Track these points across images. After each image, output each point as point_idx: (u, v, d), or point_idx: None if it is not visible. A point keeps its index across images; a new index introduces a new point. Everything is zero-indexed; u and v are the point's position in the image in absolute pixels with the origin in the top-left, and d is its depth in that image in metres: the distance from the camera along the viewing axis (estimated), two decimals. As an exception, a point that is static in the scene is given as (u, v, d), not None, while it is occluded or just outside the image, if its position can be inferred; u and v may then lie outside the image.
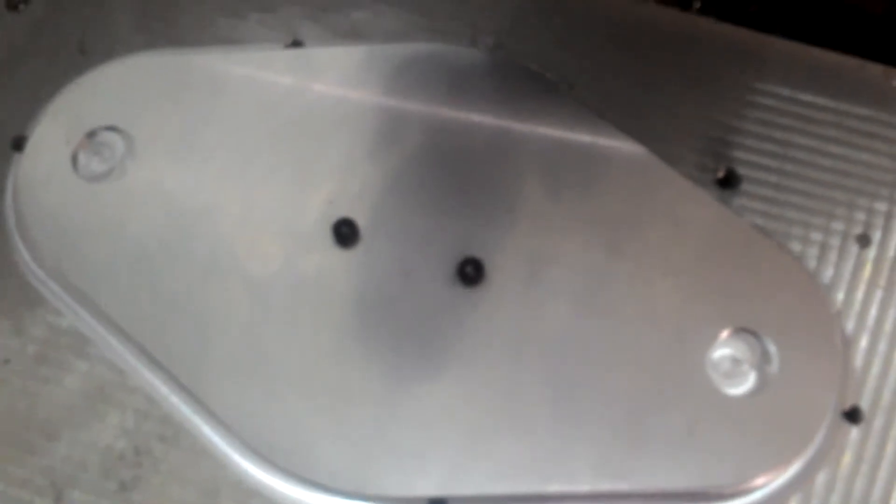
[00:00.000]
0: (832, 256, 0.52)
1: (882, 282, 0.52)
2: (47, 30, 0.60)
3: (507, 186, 0.54)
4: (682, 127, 0.55)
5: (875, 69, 0.55)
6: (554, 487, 0.49)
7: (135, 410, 0.52)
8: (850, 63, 0.55)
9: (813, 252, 0.52)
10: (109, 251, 0.54)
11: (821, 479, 0.49)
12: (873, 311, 0.51)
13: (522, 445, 0.49)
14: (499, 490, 0.49)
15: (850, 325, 0.51)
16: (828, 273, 0.52)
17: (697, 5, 0.88)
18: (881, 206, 0.53)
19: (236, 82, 0.57)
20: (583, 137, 0.55)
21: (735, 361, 0.50)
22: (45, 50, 0.60)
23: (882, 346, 0.51)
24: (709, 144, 0.55)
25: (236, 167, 0.55)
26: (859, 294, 0.51)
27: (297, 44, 0.58)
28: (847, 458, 0.49)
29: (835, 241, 0.52)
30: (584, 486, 0.49)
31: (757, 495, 0.49)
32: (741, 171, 0.54)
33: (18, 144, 0.57)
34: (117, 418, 0.52)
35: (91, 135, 0.56)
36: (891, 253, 0.52)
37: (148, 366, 0.53)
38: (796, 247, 0.52)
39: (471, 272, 0.52)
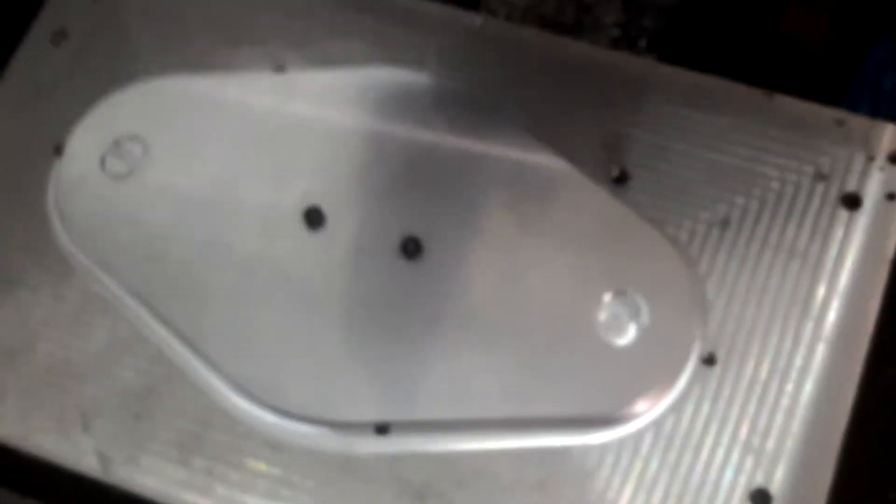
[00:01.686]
0: (699, 237, 0.60)
1: (737, 255, 0.60)
2: (82, 59, 0.69)
3: (442, 183, 0.63)
4: (585, 136, 0.63)
5: (740, 89, 0.64)
6: (474, 414, 0.58)
7: (147, 357, 0.61)
8: (718, 83, 0.64)
9: (684, 235, 0.60)
10: (129, 234, 0.64)
11: (688, 407, 0.57)
12: (729, 279, 0.59)
13: (449, 381, 0.58)
14: (429, 416, 0.58)
15: (710, 290, 0.59)
16: (694, 250, 0.60)
17: (643, 45, 0.97)
18: (739, 200, 0.61)
19: (232, 101, 0.66)
20: (507, 145, 0.64)
21: (616, 317, 0.59)
22: (80, 75, 0.69)
23: (735, 307, 0.59)
24: (606, 150, 0.63)
25: (230, 169, 0.65)
26: (718, 265, 0.59)
27: (280, 69, 0.67)
28: (709, 392, 0.57)
29: (701, 227, 0.60)
30: (496, 413, 0.58)
31: (639, 420, 0.57)
32: (631, 170, 0.62)
33: (58, 150, 0.66)
34: (133, 364, 0.61)
35: (116, 143, 0.65)
36: (745, 233, 0.60)
37: (157, 322, 0.61)
38: (671, 230, 0.60)
39: (411, 248, 0.61)
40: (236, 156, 0.65)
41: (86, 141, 0.67)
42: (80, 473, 0.60)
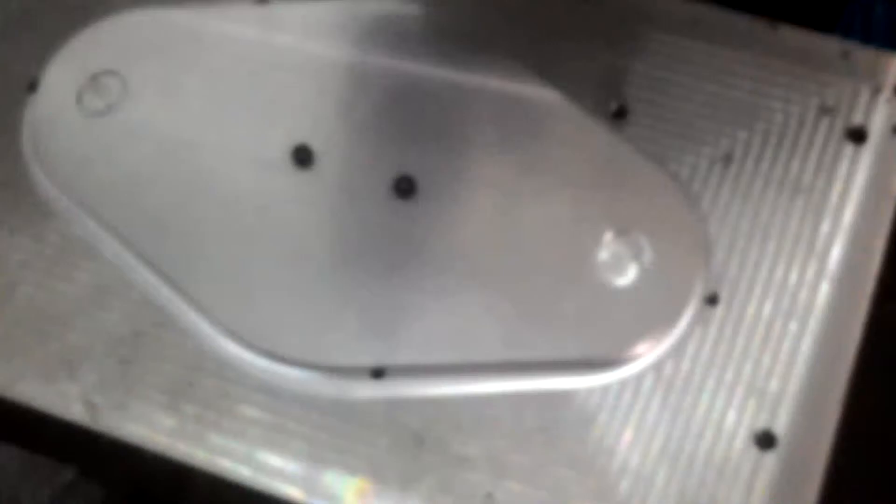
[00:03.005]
0: (701, 173, 0.58)
1: (740, 191, 0.57)
2: (55, -10, 0.65)
3: (436, 119, 0.60)
4: (582, 69, 0.60)
5: (742, 19, 0.60)
6: (472, 357, 0.55)
7: (132, 301, 0.58)
8: (720, 14, 0.61)
9: (685, 171, 0.58)
10: (110, 173, 0.60)
11: (690, 348, 0.55)
12: (732, 216, 0.57)
13: (446, 324, 0.55)
14: (427, 360, 0.55)
15: (713, 228, 0.57)
16: (696, 186, 0.57)
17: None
18: (742, 134, 0.58)
19: (213, 34, 0.63)
20: (501, 78, 0.60)
21: (617, 257, 0.56)
22: (52, 7, 0.65)
23: (739, 244, 0.56)
24: (605, 84, 0.60)
25: (213, 104, 0.61)
26: (721, 202, 0.57)
27: (262, 0, 0.63)
28: (712, 333, 0.55)
29: (704, 162, 0.58)
30: (494, 356, 0.55)
31: (641, 362, 0.55)
32: (630, 105, 0.59)
33: (32, 86, 0.63)
34: (118, 308, 0.58)
35: (93, 78, 0.62)
36: (748, 169, 0.58)
37: (143, 265, 0.58)
38: (672, 166, 0.58)
39: (405, 186, 0.58)
40: (219, 91, 0.62)
41: (61, 76, 0.63)
42: (66, 421, 0.57)
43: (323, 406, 0.56)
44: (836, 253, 0.57)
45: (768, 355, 0.55)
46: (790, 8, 0.67)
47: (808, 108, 0.59)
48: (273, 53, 0.62)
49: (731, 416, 0.54)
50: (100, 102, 0.62)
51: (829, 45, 0.60)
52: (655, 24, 0.61)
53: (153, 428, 0.56)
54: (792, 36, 0.61)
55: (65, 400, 0.57)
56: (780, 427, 0.54)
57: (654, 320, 0.56)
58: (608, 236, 0.57)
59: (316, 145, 0.60)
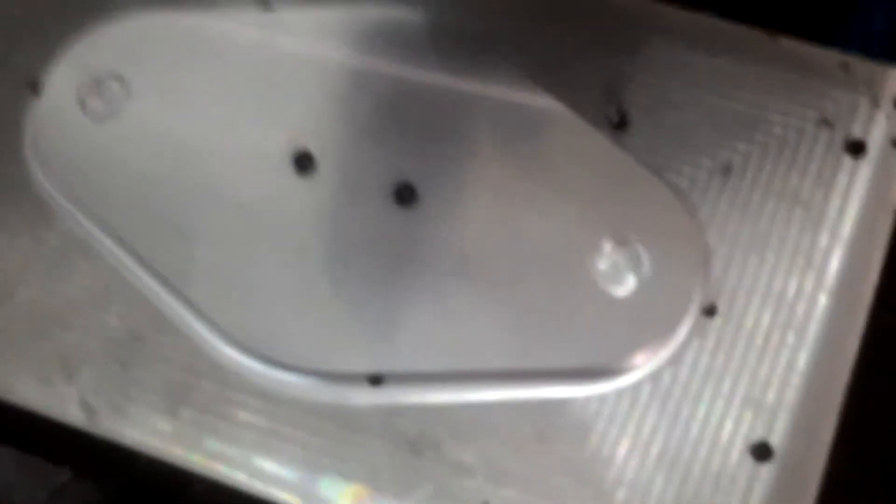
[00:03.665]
0: (700, 184, 0.57)
1: (739, 203, 0.57)
2: (58, -8, 0.65)
3: (437, 126, 0.59)
4: (584, 79, 0.60)
5: (742, 30, 0.60)
6: (470, 365, 0.55)
7: (132, 304, 0.58)
8: (721, 25, 0.60)
9: (685, 182, 0.57)
10: (111, 176, 0.60)
11: (688, 358, 0.55)
12: (731, 227, 0.56)
13: (445, 332, 0.55)
14: (425, 367, 0.55)
15: (711, 239, 0.56)
16: (695, 197, 0.57)
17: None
18: (741, 145, 0.58)
19: (216, 39, 0.62)
20: (503, 87, 0.60)
21: (616, 267, 0.56)
22: (54, 10, 0.64)
23: (738, 255, 0.56)
24: (606, 94, 0.60)
25: (215, 109, 0.61)
26: (720, 213, 0.57)
27: (266, 4, 0.63)
28: (709, 343, 0.55)
29: (703, 173, 0.57)
30: (492, 364, 0.55)
31: (638, 371, 0.55)
32: (631, 115, 0.59)
33: (35, 89, 0.62)
34: (117, 311, 0.58)
35: (96, 81, 0.62)
36: (747, 180, 0.57)
37: (142, 268, 0.58)
38: (671, 177, 0.57)
39: (405, 194, 0.58)
40: (221, 96, 0.61)
41: (63, 79, 0.62)
42: (64, 424, 0.57)
43: (320, 412, 0.55)
44: (834, 265, 0.56)
45: (765, 367, 0.55)
46: (790, 19, 0.67)
47: (807, 120, 0.59)
48: (276, 58, 0.62)
49: (728, 427, 0.54)
50: (102, 106, 0.62)
51: (829, 57, 0.60)
52: (657, 34, 0.61)
53: (150, 431, 0.56)
54: (792, 47, 0.60)
55: (62, 402, 0.57)
56: (777, 439, 0.54)
57: (652, 330, 0.56)
58: (607, 246, 0.57)
59: (317, 151, 0.59)
